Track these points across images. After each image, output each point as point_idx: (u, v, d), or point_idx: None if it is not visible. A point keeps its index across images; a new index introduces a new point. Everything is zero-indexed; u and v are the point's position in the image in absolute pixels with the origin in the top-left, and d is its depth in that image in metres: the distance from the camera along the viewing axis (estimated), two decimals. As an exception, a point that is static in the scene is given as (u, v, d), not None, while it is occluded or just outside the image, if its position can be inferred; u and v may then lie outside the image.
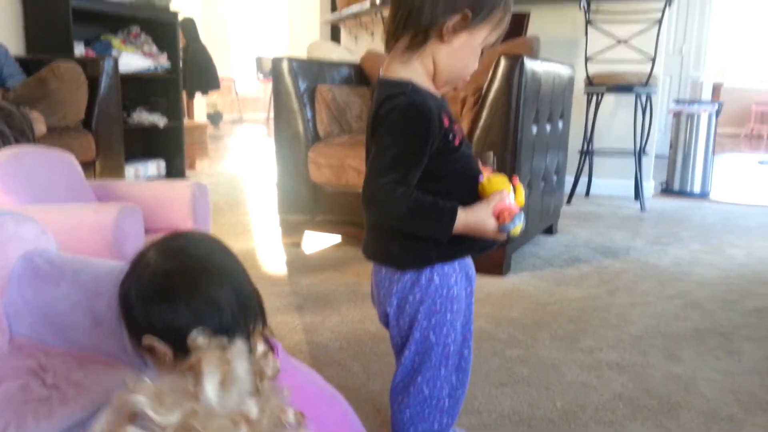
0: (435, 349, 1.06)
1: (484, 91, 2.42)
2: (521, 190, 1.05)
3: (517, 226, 1.00)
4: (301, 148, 2.71)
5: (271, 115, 3.42)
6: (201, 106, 8.67)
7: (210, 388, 0.53)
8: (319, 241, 2.96)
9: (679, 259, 2.82)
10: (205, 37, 7.70)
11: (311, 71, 2.79)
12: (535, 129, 2.60)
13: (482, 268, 2.51)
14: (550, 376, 1.67)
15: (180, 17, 5.74)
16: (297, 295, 2.29)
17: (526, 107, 2.42)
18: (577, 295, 2.33)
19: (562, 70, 2.93)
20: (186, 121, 7.08)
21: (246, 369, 0.57)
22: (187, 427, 0.51)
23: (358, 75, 3.21)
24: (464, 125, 2.47)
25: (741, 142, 9.18)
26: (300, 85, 2.69)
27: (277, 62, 2.70)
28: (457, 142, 1.03)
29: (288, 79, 2.68)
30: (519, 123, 2.39)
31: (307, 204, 2.76)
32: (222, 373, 0.55)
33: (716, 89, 8.12)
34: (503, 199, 1.00)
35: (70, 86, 2.93)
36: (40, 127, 2.53)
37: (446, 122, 1.02)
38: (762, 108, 9.57)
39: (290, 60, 2.69)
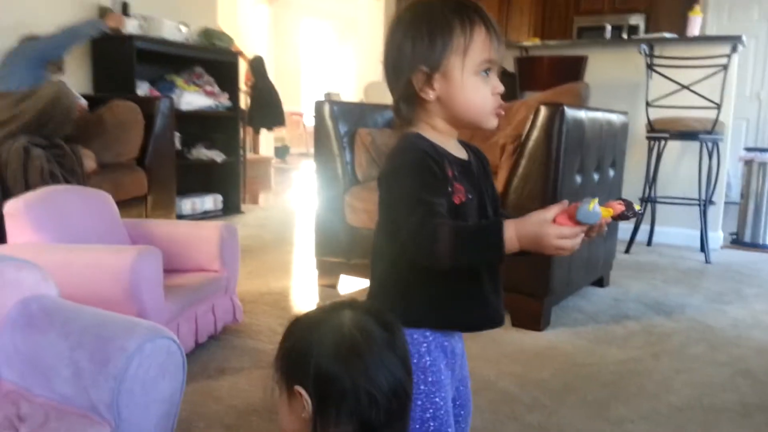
0: (411, 424, 0.99)
1: (523, 139, 2.35)
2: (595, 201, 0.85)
3: (593, 201, 0.81)
4: (339, 191, 2.71)
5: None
6: (269, 140, 8.93)
7: None
8: (354, 284, 2.91)
9: (738, 321, 2.61)
10: (276, 73, 7.94)
11: (353, 114, 2.80)
12: (579, 178, 2.50)
13: (518, 322, 2.43)
14: (569, 449, 1.56)
15: (250, 56, 5.99)
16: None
17: (568, 156, 2.33)
18: (617, 357, 2.19)
19: (613, 117, 2.82)
20: (251, 155, 7.33)
21: None
22: None
23: (405, 118, 3.19)
24: (502, 173, 2.41)
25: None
26: (340, 129, 2.70)
27: (318, 105, 2.73)
28: (456, 201, 0.97)
29: (329, 122, 2.70)
30: (559, 173, 2.30)
31: (343, 247, 2.75)
32: None
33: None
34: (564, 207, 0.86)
35: (125, 125, 3.07)
36: (89, 163, 2.65)
37: (449, 172, 0.96)
38: None
39: (331, 103, 2.71)
